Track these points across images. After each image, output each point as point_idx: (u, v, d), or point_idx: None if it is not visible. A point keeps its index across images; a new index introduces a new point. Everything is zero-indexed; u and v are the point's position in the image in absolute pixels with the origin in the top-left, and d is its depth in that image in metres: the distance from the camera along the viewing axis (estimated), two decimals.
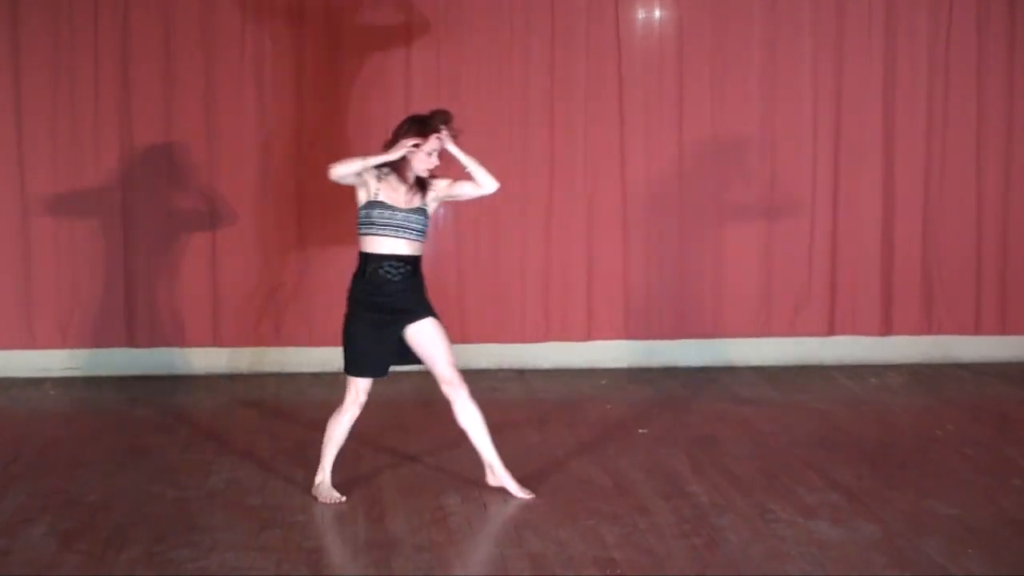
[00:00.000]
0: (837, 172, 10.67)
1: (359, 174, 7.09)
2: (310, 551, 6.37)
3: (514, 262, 10.54)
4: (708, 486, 7.39)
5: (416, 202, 7.15)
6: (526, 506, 7.02)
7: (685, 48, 10.48)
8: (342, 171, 7.06)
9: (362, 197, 7.14)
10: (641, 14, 10.45)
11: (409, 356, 7.28)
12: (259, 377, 10.29)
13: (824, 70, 10.58)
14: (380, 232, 7.06)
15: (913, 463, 7.93)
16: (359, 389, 7.21)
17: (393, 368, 7.27)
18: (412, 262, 7.14)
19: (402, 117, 7.29)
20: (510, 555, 6.32)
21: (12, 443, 8.41)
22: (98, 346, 10.27)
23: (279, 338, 10.38)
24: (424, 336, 7.18)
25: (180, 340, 10.32)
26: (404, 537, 6.55)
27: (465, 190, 7.29)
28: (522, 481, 7.32)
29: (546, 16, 10.37)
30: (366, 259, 7.12)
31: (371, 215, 7.09)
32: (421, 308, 7.18)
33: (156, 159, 10.10)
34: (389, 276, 7.08)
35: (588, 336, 10.64)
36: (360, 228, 7.14)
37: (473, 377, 10.20)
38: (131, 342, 10.28)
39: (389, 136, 7.22)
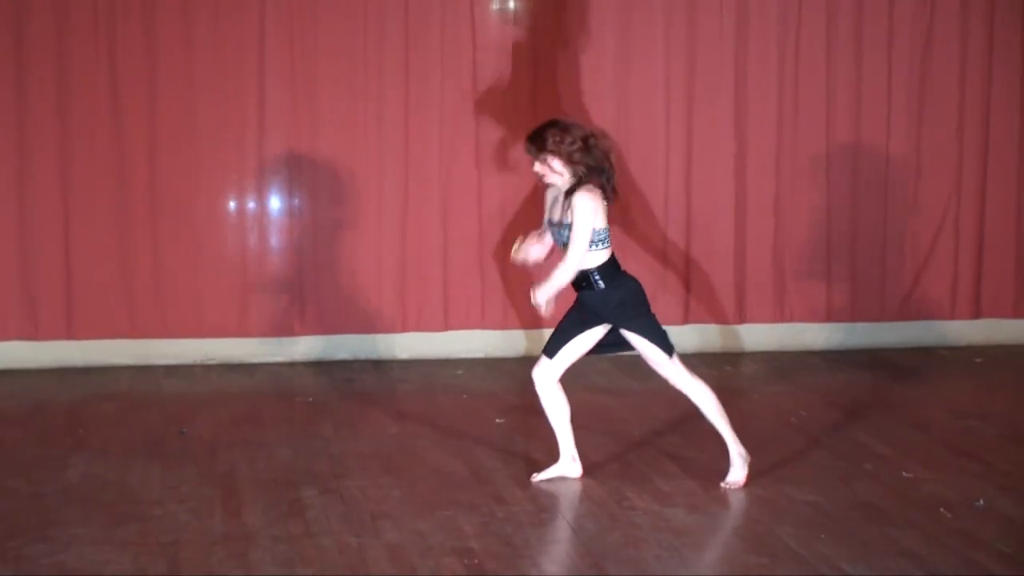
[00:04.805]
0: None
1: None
2: (167, 545, 6.32)
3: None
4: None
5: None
6: (384, 498, 7.02)
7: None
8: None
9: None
10: None
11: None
12: (114, 370, 10.16)
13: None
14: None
15: (768, 449, 7.99)
16: None
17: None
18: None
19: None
20: (367, 545, 6.34)
21: None
22: None
23: (134, 330, 10.23)
24: None
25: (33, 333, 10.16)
26: (261, 529, 6.53)
27: None
28: (382, 472, 7.36)
29: None
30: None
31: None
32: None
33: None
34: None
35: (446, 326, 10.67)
36: (603, 244, 7.04)
37: (332, 368, 10.22)
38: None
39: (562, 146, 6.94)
